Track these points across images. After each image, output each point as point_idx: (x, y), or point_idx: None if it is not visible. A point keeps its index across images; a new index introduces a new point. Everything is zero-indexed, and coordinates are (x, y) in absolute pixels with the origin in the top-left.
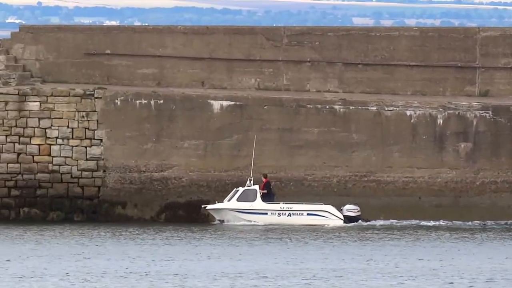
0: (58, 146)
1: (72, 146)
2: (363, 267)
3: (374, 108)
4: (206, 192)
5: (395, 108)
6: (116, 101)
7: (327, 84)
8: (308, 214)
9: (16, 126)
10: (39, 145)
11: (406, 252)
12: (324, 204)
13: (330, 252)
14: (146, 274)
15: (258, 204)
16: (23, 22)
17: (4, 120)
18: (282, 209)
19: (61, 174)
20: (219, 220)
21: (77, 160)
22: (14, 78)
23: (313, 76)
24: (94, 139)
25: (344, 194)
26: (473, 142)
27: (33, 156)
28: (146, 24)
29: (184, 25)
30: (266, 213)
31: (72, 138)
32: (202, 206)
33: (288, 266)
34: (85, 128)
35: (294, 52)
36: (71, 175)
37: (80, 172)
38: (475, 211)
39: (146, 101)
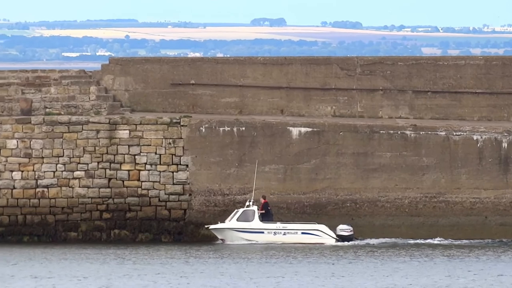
0: (147, 171)
1: (160, 172)
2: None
3: (443, 133)
4: (286, 213)
5: (462, 133)
6: (201, 128)
7: (399, 111)
8: (302, 233)
9: (107, 153)
10: (128, 170)
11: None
12: (318, 224)
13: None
14: None
15: (256, 223)
16: (113, 55)
17: (96, 147)
18: (278, 228)
19: (150, 198)
20: (221, 239)
21: (165, 185)
22: (105, 108)
23: (385, 103)
24: (180, 164)
25: (415, 214)
26: None
27: (123, 181)
28: (228, 56)
29: (264, 56)
30: (263, 232)
31: (160, 164)
32: (205, 226)
33: None
34: (172, 155)
35: (367, 81)
36: (159, 199)
37: (168, 196)
38: None
39: (229, 128)
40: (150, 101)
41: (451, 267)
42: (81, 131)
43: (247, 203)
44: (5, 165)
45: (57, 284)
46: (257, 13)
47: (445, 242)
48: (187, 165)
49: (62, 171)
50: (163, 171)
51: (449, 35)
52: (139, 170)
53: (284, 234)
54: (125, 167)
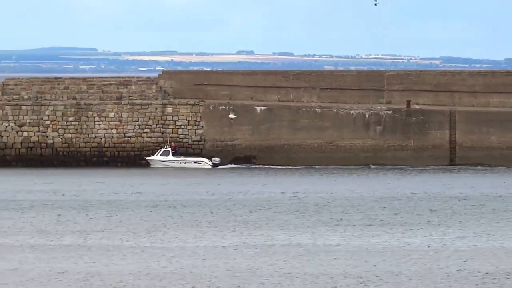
0: (181, 129)
1: (188, 129)
2: None
3: (335, 109)
4: (252, 151)
5: (345, 109)
6: (210, 107)
7: (312, 98)
8: (194, 162)
9: (161, 119)
10: (172, 129)
11: None
12: (202, 157)
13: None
14: None
15: (170, 157)
16: (163, 69)
17: (155, 117)
18: (181, 160)
19: (183, 142)
20: (151, 165)
21: (191, 136)
22: (160, 97)
23: (305, 94)
24: (199, 126)
25: (320, 151)
26: None
27: (169, 134)
28: (223, 69)
29: (242, 70)
30: (174, 162)
31: (188, 125)
32: (144, 157)
33: None
34: (195, 120)
35: (296, 83)
36: (188, 143)
37: (192, 141)
38: None
39: (224, 107)
40: (184, 93)
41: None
42: (148, 108)
43: (166, 146)
44: (107, 125)
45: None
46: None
47: (336, 167)
48: (202, 126)
49: (137, 129)
50: (190, 129)
51: None
52: (178, 128)
53: (185, 163)
54: (170, 127)
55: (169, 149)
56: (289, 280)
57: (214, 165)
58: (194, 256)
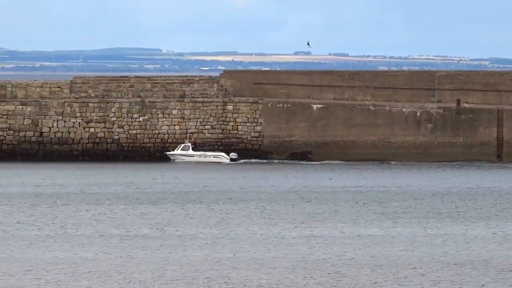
0: (241, 125)
1: (248, 126)
2: None
3: (388, 107)
4: (309, 147)
5: (397, 108)
6: (268, 105)
7: (366, 97)
8: (213, 157)
9: (221, 116)
10: (232, 125)
11: None
12: (221, 152)
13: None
14: None
15: (190, 152)
16: (224, 68)
17: (216, 114)
18: (200, 154)
19: (243, 138)
20: (172, 160)
21: (250, 132)
22: (220, 95)
23: (359, 93)
24: (257, 123)
25: (374, 147)
26: None
27: (229, 131)
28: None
29: (299, 70)
30: (194, 156)
31: (248, 122)
32: (165, 152)
33: None
34: (254, 117)
35: (350, 82)
36: (247, 139)
37: (251, 137)
38: None
39: (282, 105)
40: (243, 91)
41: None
42: (209, 106)
43: (186, 141)
44: (170, 122)
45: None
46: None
47: (390, 162)
48: (261, 123)
49: (199, 126)
50: (249, 126)
51: None
52: (237, 125)
53: (204, 157)
54: (231, 123)
55: (189, 144)
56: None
57: (232, 160)
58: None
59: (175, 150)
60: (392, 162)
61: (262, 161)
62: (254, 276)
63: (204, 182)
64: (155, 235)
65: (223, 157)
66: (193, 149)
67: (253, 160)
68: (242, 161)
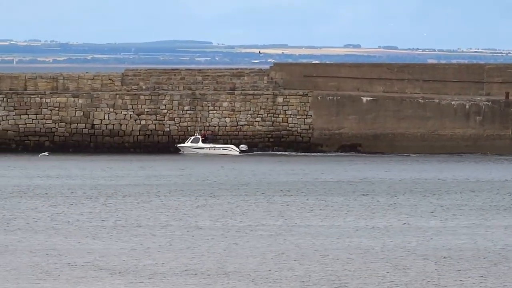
0: (291, 118)
1: (298, 118)
2: None
3: (437, 100)
4: (358, 139)
5: (446, 100)
6: (318, 97)
7: (415, 89)
8: (222, 149)
9: (271, 109)
10: (282, 118)
11: None
12: (230, 144)
13: None
14: None
15: (200, 144)
16: (274, 61)
17: (266, 106)
18: (210, 147)
19: (293, 131)
20: (182, 152)
21: (300, 125)
22: (271, 87)
23: (408, 86)
24: (307, 115)
25: (422, 140)
26: None
27: (279, 123)
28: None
29: (348, 62)
30: (203, 148)
31: (298, 114)
32: (175, 145)
33: None
34: (304, 110)
35: (400, 75)
36: (297, 131)
37: (301, 130)
38: None
39: (332, 98)
40: (293, 84)
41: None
42: (259, 98)
43: (196, 134)
44: (221, 114)
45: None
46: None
47: (440, 155)
48: (311, 115)
49: (249, 118)
50: (299, 118)
51: None
52: (287, 118)
53: (214, 149)
54: (281, 116)
55: (199, 136)
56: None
57: (242, 151)
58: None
59: (186, 143)
60: (443, 155)
61: (283, 152)
62: (317, 268)
63: (261, 174)
64: (217, 226)
65: (232, 149)
66: (203, 142)
67: (273, 152)
68: (259, 152)
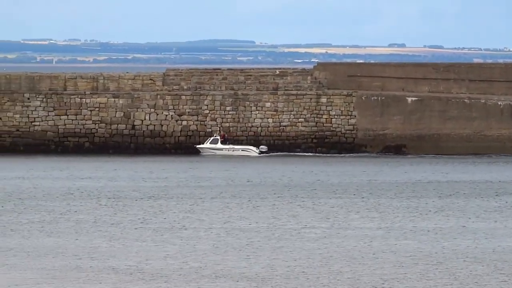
0: (335, 118)
1: (342, 119)
2: None
3: (483, 100)
4: (403, 139)
5: (493, 100)
6: (362, 97)
7: (461, 89)
8: (242, 150)
9: (315, 109)
10: (326, 118)
11: None
12: (250, 145)
13: None
14: None
15: (219, 145)
16: (318, 60)
17: (310, 107)
18: (229, 148)
19: (336, 131)
20: (201, 153)
21: (344, 125)
22: (314, 87)
23: (454, 86)
24: (351, 115)
25: (468, 140)
26: None
27: (323, 124)
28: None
29: (393, 62)
30: (222, 149)
31: (341, 115)
32: (195, 145)
33: None
34: (347, 110)
35: (445, 75)
36: (341, 132)
37: (345, 130)
38: None
39: (376, 98)
40: (337, 84)
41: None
42: (303, 98)
43: (215, 135)
44: (263, 115)
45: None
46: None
47: (487, 156)
48: (355, 116)
49: (292, 119)
50: (343, 118)
51: None
52: (331, 118)
53: (233, 150)
54: (324, 116)
55: (218, 137)
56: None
57: (261, 152)
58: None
59: (205, 144)
60: (492, 156)
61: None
62: (367, 271)
63: (313, 175)
64: (266, 228)
65: (251, 151)
66: (222, 143)
67: (288, 153)
68: (278, 153)
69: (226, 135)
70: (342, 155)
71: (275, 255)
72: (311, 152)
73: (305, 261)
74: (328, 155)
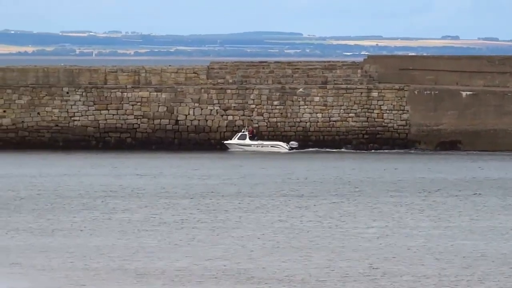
0: (387, 113)
1: (394, 114)
2: None
3: None
4: (456, 133)
5: None
6: (415, 92)
7: None
8: (271, 146)
9: (366, 104)
10: (377, 113)
11: None
12: (279, 141)
13: None
14: None
15: (247, 141)
16: (368, 53)
17: (360, 101)
18: (258, 144)
19: (388, 127)
20: (229, 149)
21: (396, 120)
22: (365, 81)
23: (511, 79)
24: (404, 110)
25: None
26: None
27: (374, 119)
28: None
29: (447, 55)
30: (251, 146)
31: (393, 110)
32: (222, 141)
33: None
34: (400, 105)
35: (501, 68)
36: (393, 127)
37: (397, 126)
38: None
39: (429, 92)
40: (389, 77)
41: None
42: (353, 93)
43: (243, 130)
44: (312, 110)
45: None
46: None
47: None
48: (407, 111)
49: (342, 114)
50: (395, 113)
51: None
52: (383, 113)
53: (262, 146)
54: (376, 111)
55: (246, 133)
56: None
57: (292, 149)
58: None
59: (232, 139)
60: None
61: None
62: (429, 272)
63: (363, 173)
64: (322, 227)
65: (281, 147)
66: (250, 138)
67: (322, 149)
68: (309, 149)
69: (254, 130)
70: (395, 151)
71: (332, 255)
72: (363, 149)
73: (367, 261)
74: (372, 151)
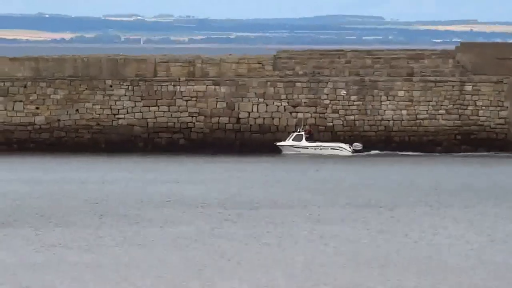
0: (483, 110)
1: (491, 111)
2: None
3: None
4: None
5: None
6: None
7: None
8: (331, 148)
9: (458, 99)
10: (471, 110)
11: None
12: (341, 143)
13: None
14: None
15: (303, 143)
16: (461, 40)
17: (452, 96)
18: (316, 145)
19: (484, 126)
20: (283, 151)
21: (494, 118)
22: (457, 73)
23: None
24: (502, 106)
25: None
26: None
27: (468, 116)
28: None
29: None
30: (307, 148)
31: (490, 106)
32: (274, 143)
33: None
34: (498, 100)
35: None
36: (490, 127)
37: (495, 125)
38: None
39: None
40: (485, 68)
41: None
42: (443, 86)
43: (298, 130)
44: (396, 106)
45: None
46: None
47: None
48: (506, 107)
49: (431, 110)
50: (492, 110)
51: None
52: (478, 110)
53: (320, 149)
54: (470, 108)
55: (303, 133)
56: None
57: (355, 151)
58: None
59: (287, 140)
60: None
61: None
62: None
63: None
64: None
65: (343, 149)
66: (307, 139)
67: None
68: (373, 152)
69: (312, 130)
70: (492, 154)
71: (417, 271)
72: (455, 152)
73: (461, 276)
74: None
